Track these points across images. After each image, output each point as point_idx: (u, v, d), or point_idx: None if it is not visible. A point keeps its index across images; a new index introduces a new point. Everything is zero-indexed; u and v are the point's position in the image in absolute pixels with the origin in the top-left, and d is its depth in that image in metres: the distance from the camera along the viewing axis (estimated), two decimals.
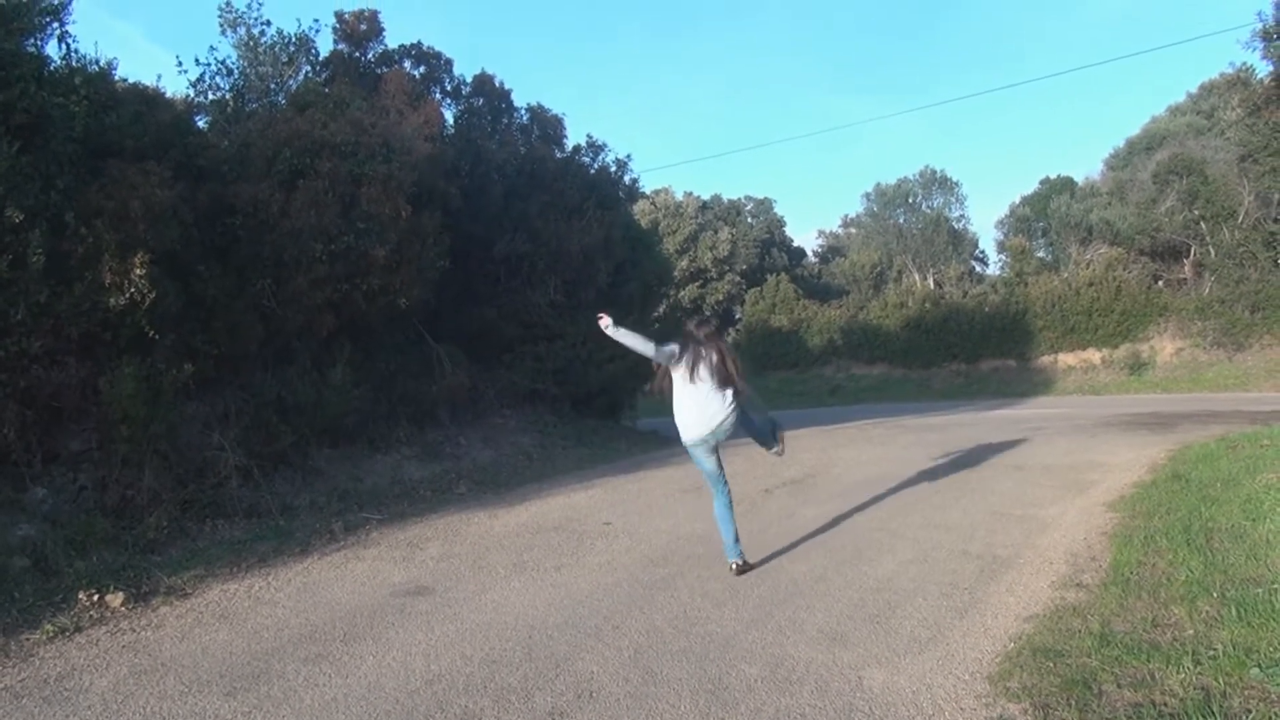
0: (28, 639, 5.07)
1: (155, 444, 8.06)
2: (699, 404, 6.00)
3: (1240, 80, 24.04)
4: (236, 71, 13.00)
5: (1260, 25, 17.54)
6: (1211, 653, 3.86)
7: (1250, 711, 3.32)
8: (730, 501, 6.20)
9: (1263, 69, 20.63)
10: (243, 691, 4.20)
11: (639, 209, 32.94)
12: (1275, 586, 4.53)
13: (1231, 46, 51.87)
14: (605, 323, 5.98)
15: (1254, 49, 18.31)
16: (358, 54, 15.17)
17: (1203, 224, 29.17)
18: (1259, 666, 3.64)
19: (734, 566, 6.03)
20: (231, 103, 12.65)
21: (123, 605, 5.72)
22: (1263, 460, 8.13)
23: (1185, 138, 35.13)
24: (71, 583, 6.11)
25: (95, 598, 5.78)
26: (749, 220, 50.75)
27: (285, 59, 13.30)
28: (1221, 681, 3.57)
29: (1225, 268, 27.57)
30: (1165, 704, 3.46)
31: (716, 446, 6.17)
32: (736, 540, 6.10)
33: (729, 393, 6.02)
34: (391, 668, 4.42)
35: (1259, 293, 26.20)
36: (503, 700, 3.96)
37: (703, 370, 5.97)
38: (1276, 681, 3.50)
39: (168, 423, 8.21)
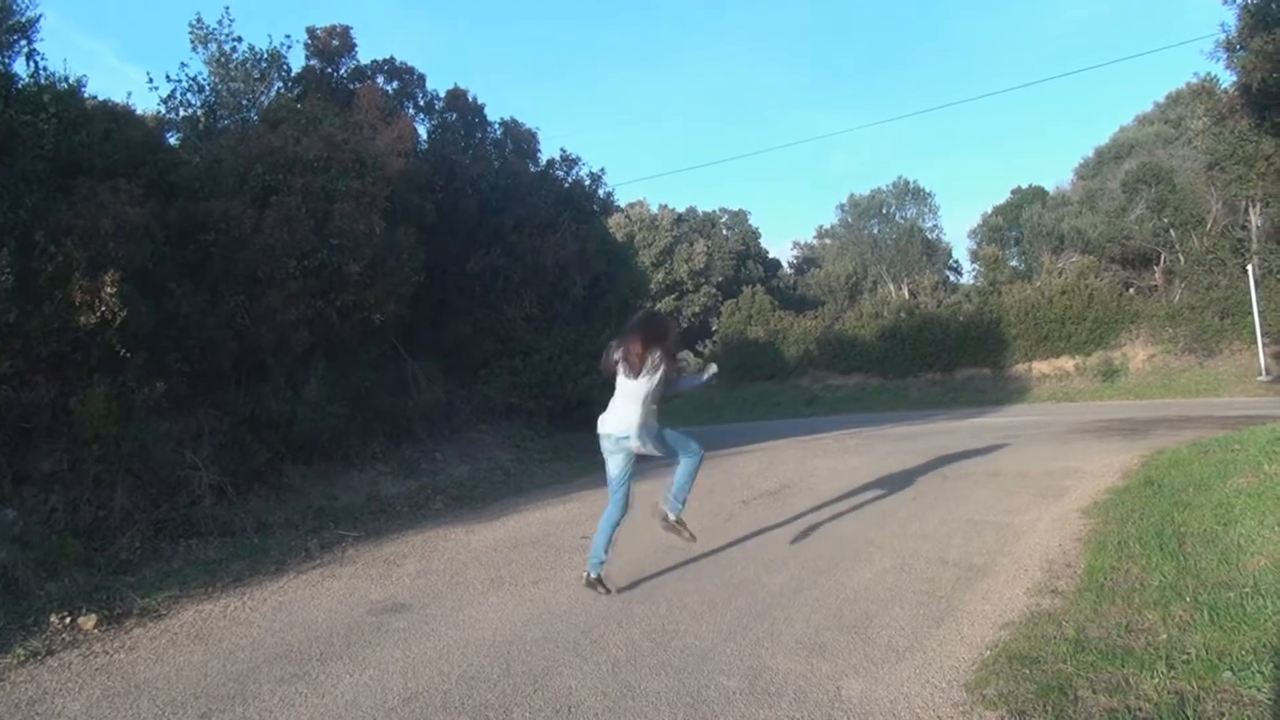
0: None
1: (127, 463, 7.99)
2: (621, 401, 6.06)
3: (1205, 90, 24.32)
4: (208, 88, 12.95)
5: (1224, 36, 17.72)
6: (1185, 657, 3.89)
7: (1224, 715, 3.35)
8: (619, 519, 6.18)
9: (1226, 79, 20.89)
10: (218, 713, 4.16)
11: (614, 222, 33.01)
12: (1247, 590, 4.57)
13: (1196, 57, 52.73)
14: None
15: (1218, 59, 18.47)
16: (330, 70, 15.13)
17: (1172, 231, 29.51)
18: (1231, 670, 3.67)
19: (587, 576, 6.05)
20: (203, 119, 12.61)
21: (95, 627, 5.66)
22: (1234, 465, 8.19)
23: (1153, 147, 35.58)
24: (43, 605, 6.04)
25: (67, 620, 5.71)
26: (724, 232, 50.93)
27: (257, 75, 13.26)
28: (1195, 685, 3.60)
29: (1195, 274, 27.87)
30: (1140, 709, 3.49)
31: (631, 454, 6.16)
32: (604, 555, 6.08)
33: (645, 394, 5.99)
34: (368, 686, 4.39)
35: (1228, 299, 26.48)
36: (480, 717, 3.94)
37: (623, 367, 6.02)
38: (1249, 685, 3.53)
39: (140, 442, 8.14)
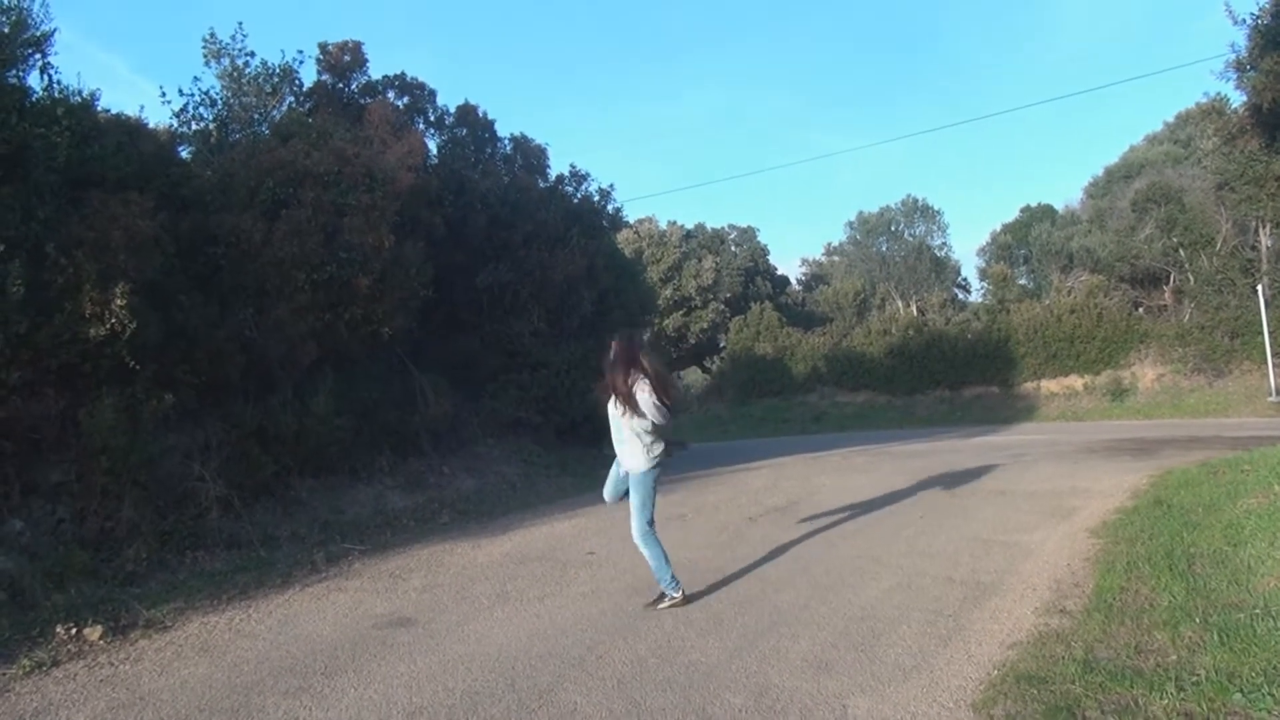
0: (4, 674, 5.00)
1: (135, 475, 7.99)
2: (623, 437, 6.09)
3: (1215, 110, 24.22)
4: (220, 102, 13.02)
5: (1234, 56, 17.73)
6: (1194, 678, 3.86)
7: None
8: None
9: (1236, 99, 20.86)
10: None
11: (623, 238, 33.00)
12: (1257, 611, 4.54)
13: (1206, 77, 52.61)
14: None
15: (1228, 79, 18.46)
16: (341, 85, 15.21)
17: (1181, 251, 29.42)
18: (1241, 692, 3.64)
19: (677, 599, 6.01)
20: (215, 133, 12.66)
21: (101, 639, 5.65)
22: (1244, 485, 8.15)
23: (1163, 166, 35.57)
24: (49, 616, 6.05)
25: (73, 631, 5.71)
26: (733, 249, 50.87)
27: (269, 89, 13.33)
28: (1205, 707, 3.58)
29: (1204, 294, 27.77)
30: None
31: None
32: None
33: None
34: (373, 700, 4.37)
35: (1238, 319, 26.38)
36: None
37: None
38: (1259, 707, 3.51)
39: (147, 454, 8.15)
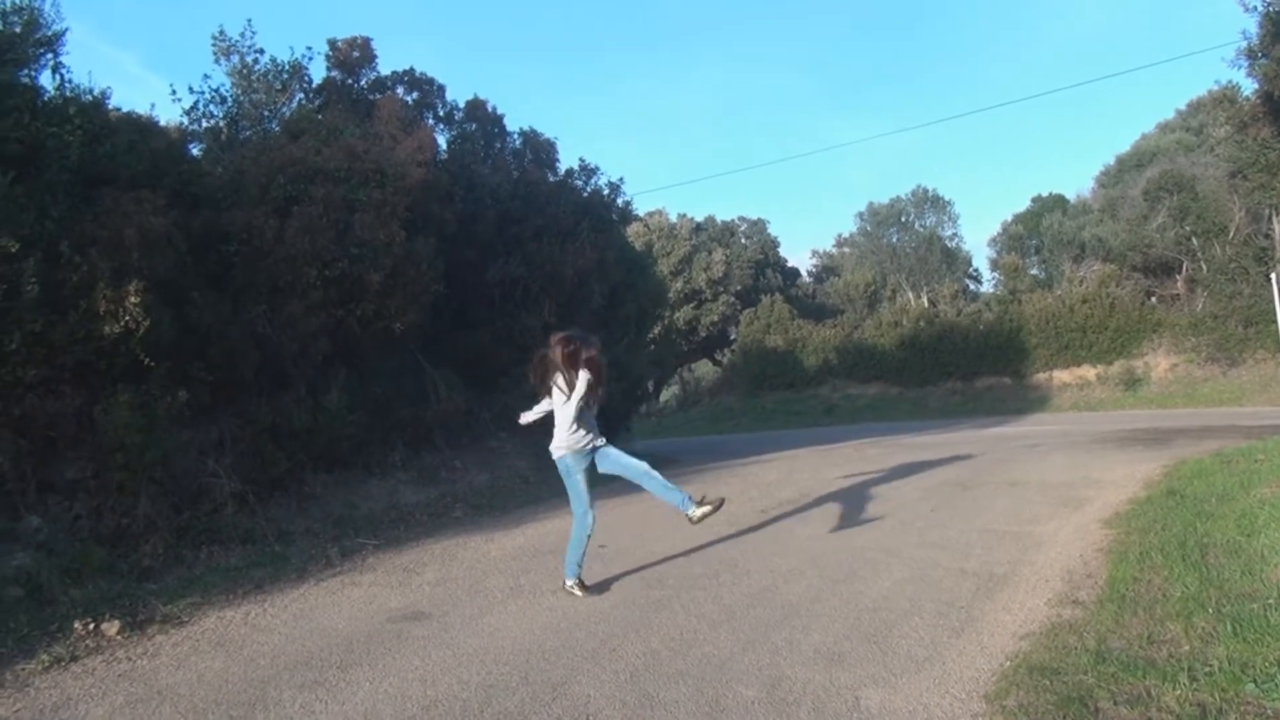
0: (23, 669, 5.05)
1: (150, 471, 8.04)
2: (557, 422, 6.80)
3: (1226, 97, 24.14)
4: (230, 99, 13.05)
5: (1245, 44, 17.71)
6: (1207, 669, 3.86)
7: None
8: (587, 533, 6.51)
9: (1248, 86, 20.80)
10: None
11: (633, 231, 32.94)
12: (1270, 601, 4.54)
13: (1217, 65, 52.24)
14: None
15: (1239, 67, 18.47)
16: (351, 81, 15.22)
17: (1194, 240, 29.28)
18: (1254, 682, 3.65)
19: (569, 585, 6.35)
20: (225, 130, 12.71)
21: (118, 634, 5.70)
22: (1257, 475, 8.13)
23: (1175, 154, 35.34)
24: (67, 612, 6.09)
25: (91, 627, 5.76)
26: (743, 241, 50.71)
27: (278, 86, 13.36)
28: (1218, 697, 3.58)
29: (1217, 283, 27.66)
30: None
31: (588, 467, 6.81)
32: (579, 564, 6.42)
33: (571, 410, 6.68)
34: (388, 694, 4.40)
35: (1251, 308, 26.27)
36: None
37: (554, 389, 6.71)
38: (1272, 697, 3.51)
39: (163, 450, 8.19)
